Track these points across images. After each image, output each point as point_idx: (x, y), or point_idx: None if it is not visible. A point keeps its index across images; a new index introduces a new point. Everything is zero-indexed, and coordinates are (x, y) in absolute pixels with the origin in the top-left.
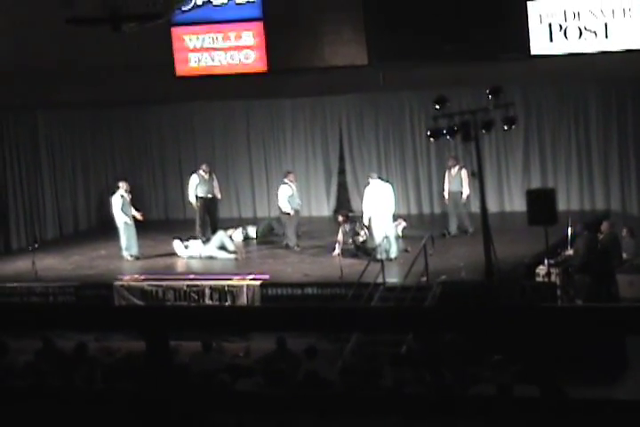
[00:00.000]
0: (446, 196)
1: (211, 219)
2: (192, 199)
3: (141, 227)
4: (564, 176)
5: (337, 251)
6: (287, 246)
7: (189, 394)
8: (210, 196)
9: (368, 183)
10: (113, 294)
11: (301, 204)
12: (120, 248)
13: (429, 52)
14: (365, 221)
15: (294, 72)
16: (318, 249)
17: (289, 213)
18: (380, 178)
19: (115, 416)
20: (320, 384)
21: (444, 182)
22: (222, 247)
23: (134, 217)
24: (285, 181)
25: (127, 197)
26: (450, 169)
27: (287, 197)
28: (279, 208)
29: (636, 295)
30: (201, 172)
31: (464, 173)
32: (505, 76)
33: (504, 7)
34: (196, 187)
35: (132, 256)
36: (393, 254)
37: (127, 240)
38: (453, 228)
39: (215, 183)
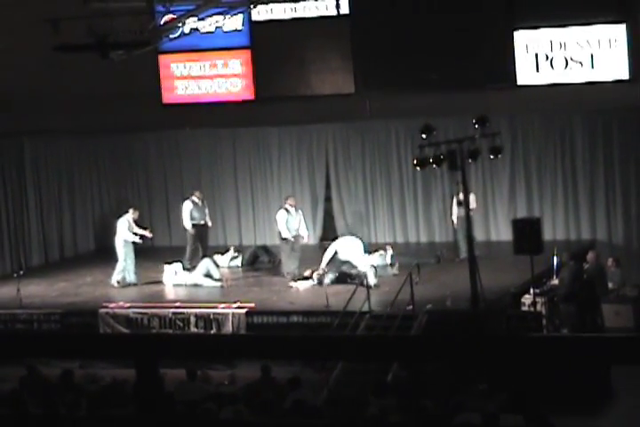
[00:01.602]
0: (455, 221)
1: (202, 246)
2: (188, 226)
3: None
4: (550, 205)
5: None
6: (286, 273)
7: (176, 423)
8: (202, 222)
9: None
10: (98, 321)
11: (306, 231)
12: (111, 274)
13: (416, 80)
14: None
15: (281, 100)
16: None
17: (286, 239)
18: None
19: None
20: (307, 412)
21: (451, 208)
22: (208, 275)
23: (142, 236)
24: (285, 206)
25: (132, 223)
26: (457, 194)
27: (285, 222)
28: (278, 233)
29: (621, 325)
30: (194, 198)
31: (472, 197)
32: (491, 106)
33: (491, 37)
34: (190, 213)
35: (119, 283)
36: (372, 282)
37: (128, 266)
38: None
39: (206, 210)
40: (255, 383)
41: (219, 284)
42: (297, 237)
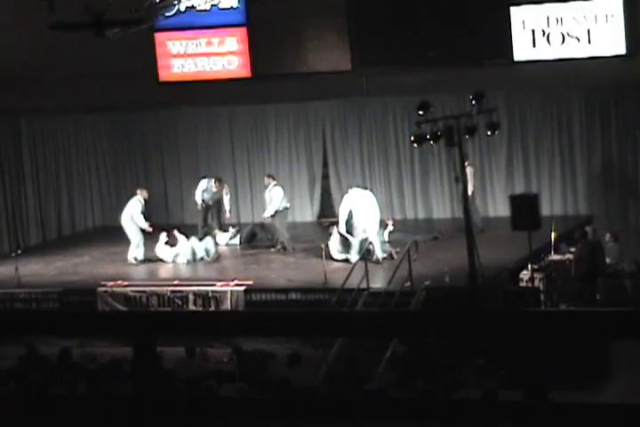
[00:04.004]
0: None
1: (217, 222)
2: (198, 201)
3: (124, 232)
4: (548, 181)
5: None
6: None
7: (175, 400)
8: (211, 202)
9: (346, 192)
10: (97, 299)
11: (269, 209)
12: (109, 252)
13: (413, 57)
14: (342, 230)
15: (278, 78)
16: (302, 254)
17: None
18: (358, 186)
19: (100, 422)
20: (291, 390)
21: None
22: (207, 252)
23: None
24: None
25: (143, 203)
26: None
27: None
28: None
29: (618, 300)
30: (212, 183)
31: (469, 170)
32: (488, 82)
33: (487, 13)
34: (202, 192)
35: (136, 260)
36: (380, 256)
37: (138, 244)
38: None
39: (223, 196)
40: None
41: (209, 258)
42: (272, 215)
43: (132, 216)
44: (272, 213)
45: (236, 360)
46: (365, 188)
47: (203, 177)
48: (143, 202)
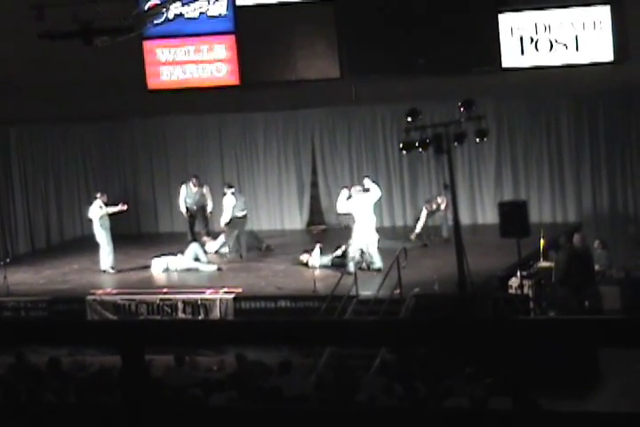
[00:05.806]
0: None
1: (203, 228)
2: (182, 209)
3: (113, 240)
4: (536, 188)
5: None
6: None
7: (163, 408)
8: (195, 207)
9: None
10: (86, 308)
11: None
12: (97, 261)
13: (401, 65)
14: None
15: (267, 85)
16: (291, 262)
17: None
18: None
19: None
20: (282, 398)
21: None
22: (197, 259)
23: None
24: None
25: (104, 207)
26: None
27: None
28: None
29: (608, 307)
30: (190, 184)
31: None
32: (477, 89)
33: (475, 20)
34: (184, 198)
35: (113, 269)
36: (377, 265)
37: (103, 252)
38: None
39: (205, 197)
40: (236, 372)
41: (214, 267)
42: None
43: (95, 223)
44: (227, 222)
45: (236, 368)
46: (367, 190)
47: (182, 183)
48: (104, 205)
